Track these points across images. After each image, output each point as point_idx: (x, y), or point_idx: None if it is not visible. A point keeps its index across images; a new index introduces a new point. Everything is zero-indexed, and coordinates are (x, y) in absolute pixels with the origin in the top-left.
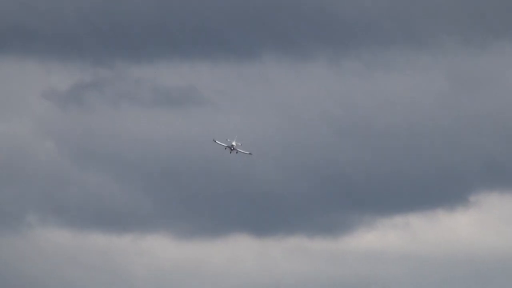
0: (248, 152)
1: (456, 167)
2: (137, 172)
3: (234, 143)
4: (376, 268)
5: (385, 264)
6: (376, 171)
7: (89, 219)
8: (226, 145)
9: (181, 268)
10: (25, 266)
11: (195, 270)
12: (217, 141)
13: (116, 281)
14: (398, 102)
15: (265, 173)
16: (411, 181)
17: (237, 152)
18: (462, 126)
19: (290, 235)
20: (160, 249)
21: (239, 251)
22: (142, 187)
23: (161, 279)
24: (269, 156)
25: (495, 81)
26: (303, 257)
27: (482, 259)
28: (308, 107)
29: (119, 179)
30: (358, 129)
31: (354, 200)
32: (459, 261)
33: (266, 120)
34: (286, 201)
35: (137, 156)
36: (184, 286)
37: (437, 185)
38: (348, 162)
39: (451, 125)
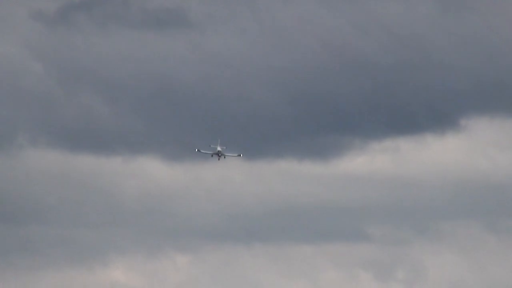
0: (236, 154)
1: (447, 92)
2: (127, 94)
3: (219, 148)
4: (365, 191)
5: (374, 187)
6: (366, 95)
7: (80, 140)
8: (211, 152)
9: (171, 190)
10: (15, 186)
11: (185, 191)
12: (201, 151)
13: (106, 202)
14: (388, 26)
15: (255, 97)
16: (402, 105)
17: (225, 157)
18: (453, 50)
19: (280, 158)
20: (150, 171)
21: (229, 173)
22: (132, 109)
23: (151, 200)
24: (259, 79)
25: (485, 4)
26: (293, 180)
27: (471, 183)
28: (298, 31)
29: (109, 101)
30: (349, 53)
31: (345, 123)
32: (448, 185)
33: (255, 44)
34: (277, 124)
35: (126, 78)
36: (174, 207)
37: (428, 109)
38: (339, 86)
39: (442, 49)
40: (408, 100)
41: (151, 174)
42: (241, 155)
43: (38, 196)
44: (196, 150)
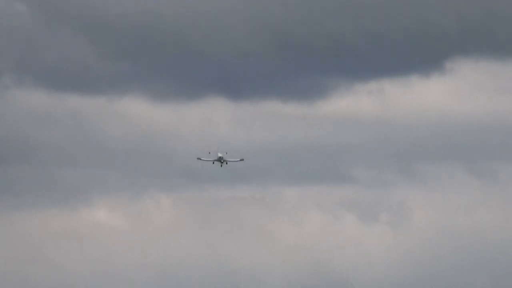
0: (238, 159)
1: (433, 34)
2: (112, 34)
3: (220, 155)
4: (350, 133)
5: (359, 129)
6: (352, 36)
7: (65, 80)
8: (212, 159)
9: (156, 130)
10: (0, 127)
11: (169, 132)
12: (202, 159)
13: (90, 142)
14: None
15: (240, 37)
16: (387, 46)
17: (227, 163)
18: None
19: (264, 99)
20: (135, 111)
21: (213, 114)
22: (117, 49)
23: (135, 140)
24: (243, 20)
25: None
26: (277, 122)
27: (456, 125)
28: None
29: (95, 41)
30: None
31: (330, 65)
32: (433, 127)
33: None
34: (262, 64)
35: (112, 18)
36: (159, 148)
37: (413, 51)
38: (324, 26)
39: None
40: (394, 42)
41: (136, 114)
42: (243, 159)
43: (23, 136)
44: (197, 158)
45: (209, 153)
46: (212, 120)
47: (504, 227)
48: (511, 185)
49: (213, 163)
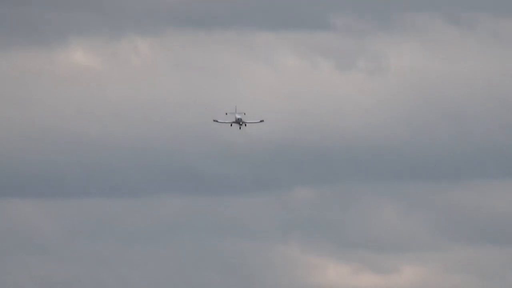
0: (259, 120)
1: None
2: None
3: (238, 116)
4: None
5: None
6: None
7: None
8: (230, 121)
9: None
10: None
11: None
12: (218, 121)
13: None
14: None
15: None
16: None
17: (245, 125)
18: None
19: None
20: None
21: None
22: None
23: None
24: None
25: None
26: None
27: None
28: None
29: None
30: None
31: None
32: None
33: None
34: None
35: None
36: None
37: None
38: None
39: None
40: None
41: None
42: (263, 120)
43: None
44: (213, 120)
45: (226, 114)
46: None
47: (480, 75)
48: (488, 34)
49: (231, 125)
